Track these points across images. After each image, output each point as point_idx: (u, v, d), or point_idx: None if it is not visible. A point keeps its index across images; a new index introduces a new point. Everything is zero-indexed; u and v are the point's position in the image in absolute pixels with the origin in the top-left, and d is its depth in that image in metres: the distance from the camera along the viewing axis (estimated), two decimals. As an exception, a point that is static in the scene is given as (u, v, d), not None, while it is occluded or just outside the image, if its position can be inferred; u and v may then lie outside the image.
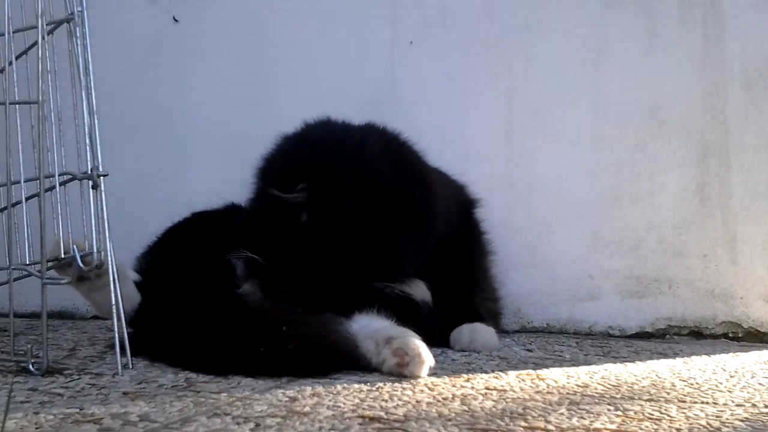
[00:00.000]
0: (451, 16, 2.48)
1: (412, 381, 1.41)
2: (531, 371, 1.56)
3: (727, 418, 1.16)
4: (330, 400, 1.22)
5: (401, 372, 1.46)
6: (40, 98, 1.46)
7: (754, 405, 1.28)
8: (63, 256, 1.50)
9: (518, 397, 1.29)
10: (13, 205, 1.55)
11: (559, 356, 1.82)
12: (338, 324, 1.56)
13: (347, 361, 1.48)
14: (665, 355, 1.87)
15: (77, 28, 1.52)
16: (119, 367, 1.44)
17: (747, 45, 2.30)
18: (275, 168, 1.81)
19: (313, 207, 1.73)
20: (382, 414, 1.13)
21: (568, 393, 1.34)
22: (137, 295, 1.72)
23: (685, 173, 2.32)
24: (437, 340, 1.80)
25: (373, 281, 1.76)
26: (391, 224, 1.77)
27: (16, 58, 1.58)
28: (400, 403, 1.22)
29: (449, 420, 1.10)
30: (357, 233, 1.74)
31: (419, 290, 1.84)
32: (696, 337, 2.27)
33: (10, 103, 1.52)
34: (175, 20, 2.64)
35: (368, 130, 1.95)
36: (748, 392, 1.39)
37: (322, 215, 1.73)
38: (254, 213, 1.82)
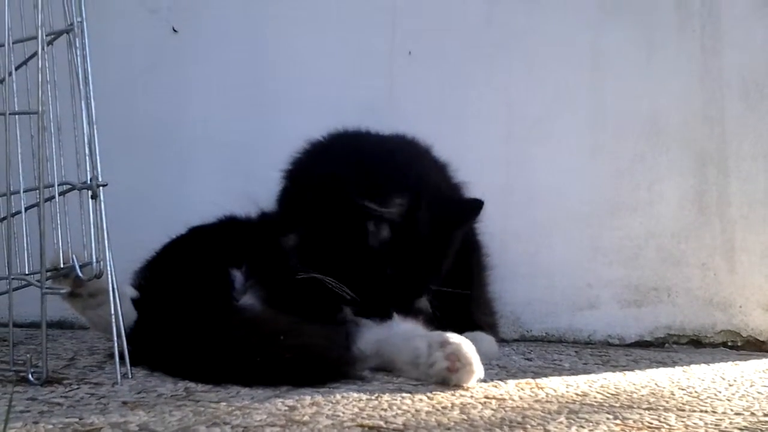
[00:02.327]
0: (450, 25, 2.48)
1: (411, 391, 1.40)
2: (530, 380, 1.56)
3: (726, 427, 1.16)
4: (329, 410, 1.22)
5: (448, 378, 1.45)
6: (40, 108, 1.46)
7: (753, 414, 1.28)
8: (62, 266, 1.50)
9: (517, 406, 1.29)
10: (13, 215, 1.55)
11: (558, 365, 1.82)
12: (337, 334, 1.56)
13: (345, 370, 1.49)
14: (664, 364, 1.87)
15: (77, 39, 1.52)
16: (118, 377, 1.44)
17: (745, 55, 2.31)
18: (358, 180, 1.79)
19: (403, 223, 1.74)
20: (382, 423, 1.13)
21: (567, 402, 1.34)
22: (134, 313, 1.71)
23: (684, 182, 2.33)
24: None
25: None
26: (452, 242, 1.84)
27: (16, 69, 1.58)
28: (399, 412, 1.22)
29: (448, 429, 1.10)
30: (431, 250, 1.78)
31: (422, 301, 1.85)
32: (695, 345, 2.27)
33: (9, 114, 1.53)
34: (175, 31, 2.64)
35: (415, 144, 2.05)
36: (747, 401, 1.39)
37: (407, 232, 1.74)
38: (317, 228, 1.80)
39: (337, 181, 1.81)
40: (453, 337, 1.50)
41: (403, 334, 1.62)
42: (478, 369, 1.46)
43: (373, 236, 1.74)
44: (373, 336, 1.66)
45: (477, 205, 1.85)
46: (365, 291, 1.72)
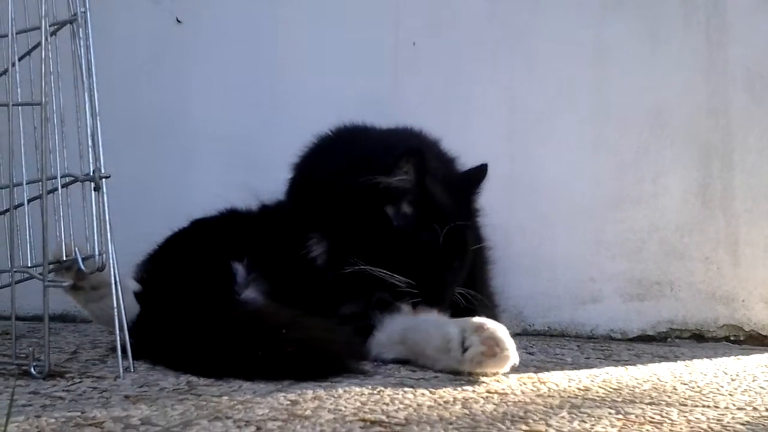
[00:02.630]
0: (453, 19, 2.47)
1: (413, 386, 1.40)
2: (532, 374, 1.56)
3: (728, 422, 1.16)
4: (331, 404, 1.22)
5: (482, 363, 1.45)
6: (43, 100, 1.46)
7: (755, 408, 1.28)
8: (65, 258, 1.50)
9: (519, 401, 1.29)
10: (15, 207, 1.55)
11: (561, 359, 1.82)
12: (339, 327, 1.56)
13: (348, 364, 1.49)
14: (667, 359, 1.86)
15: (80, 29, 1.52)
16: (121, 371, 1.44)
17: (750, 48, 2.30)
18: (366, 164, 1.78)
19: (419, 192, 1.74)
20: (384, 417, 1.13)
21: (569, 396, 1.34)
22: (136, 306, 1.71)
23: (688, 176, 2.32)
24: None
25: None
26: (471, 210, 1.91)
27: (19, 60, 1.58)
28: (401, 406, 1.22)
29: (450, 423, 1.10)
30: (457, 217, 1.78)
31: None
32: (697, 340, 2.26)
33: (12, 105, 1.52)
34: (179, 21, 2.64)
35: (422, 137, 2.06)
36: (749, 395, 1.39)
37: (426, 199, 1.75)
38: (342, 224, 1.78)
39: (343, 173, 1.80)
40: (489, 322, 1.49)
41: (432, 321, 1.62)
42: (514, 355, 1.46)
43: (397, 218, 1.74)
44: (399, 324, 1.65)
45: (482, 169, 1.89)
46: (417, 274, 1.70)
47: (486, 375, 1.48)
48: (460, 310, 1.75)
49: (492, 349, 1.44)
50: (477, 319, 1.51)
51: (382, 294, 1.70)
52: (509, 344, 1.46)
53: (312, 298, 1.70)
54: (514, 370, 1.52)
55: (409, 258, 1.71)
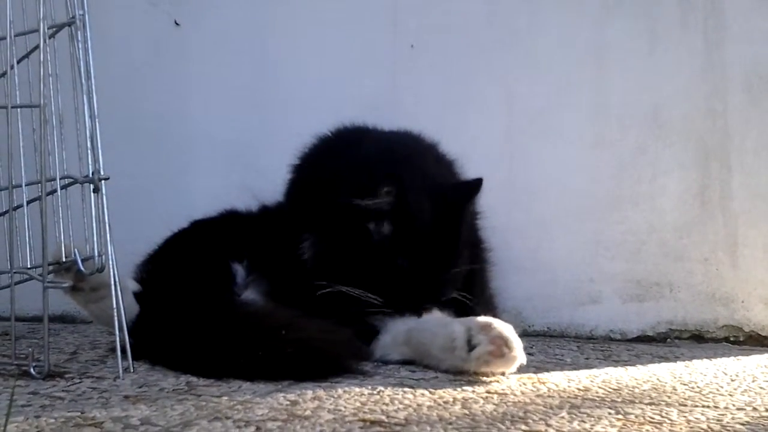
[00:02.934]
0: (452, 20, 2.47)
1: (412, 386, 1.40)
2: (532, 375, 1.56)
3: (728, 422, 1.16)
4: (331, 404, 1.22)
5: (489, 362, 1.45)
6: (42, 102, 1.46)
7: (755, 409, 1.28)
8: (64, 259, 1.50)
9: (519, 401, 1.29)
10: (15, 208, 1.55)
11: (560, 360, 1.82)
12: (339, 328, 1.56)
13: (347, 365, 1.49)
14: (666, 359, 1.87)
15: (79, 32, 1.52)
16: (120, 371, 1.44)
17: (748, 48, 2.30)
18: (348, 181, 1.79)
19: (398, 211, 1.73)
20: (383, 418, 1.13)
21: (569, 397, 1.34)
22: (136, 306, 1.71)
23: (686, 176, 2.32)
24: None
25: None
26: (460, 224, 1.81)
27: (18, 62, 1.58)
28: (401, 406, 1.22)
29: (450, 424, 1.10)
30: (439, 235, 1.76)
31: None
32: (697, 340, 2.26)
33: (11, 107, 1.52)
34: (177, 24, 2.64)
35: (420, 140, 2.05)
36: (749, 396, 1.39)
37: (405, 219, 1.73)
38: (326, 236, 1.79)
39: (331, 185, 1.81)
40: (496, 321, 1.49)
41: (437, 320, 1.62)
42: (521, 355, 1.46)
43: (377, 234, 1.74)
44: (404, 325, 1.65)
45: (476, 183, 1.83)
46: (387, 291, 1.69)
47: (492, 375, 1.49)
48: (463, 311, 1.76)
49: (500, 349, 1.45)
50: (483, 318, 1.51)
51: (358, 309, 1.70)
52: (517, 344, 1.46)
53: (311, 299, 1.70)
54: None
55: (382, 276, 1.70)
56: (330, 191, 1.79)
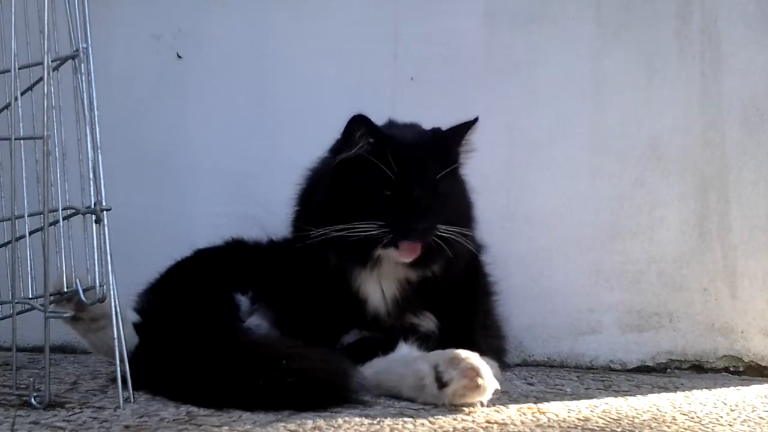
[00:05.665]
0: (451, 52, 2.49)
1: (412, 416, 1.40)
2: (532, 405, 1.56)
3: (727, 452, 1.16)
4: (331, 434, 1.22)
5: (464, 395, 1.44)
6: (45, 133, 1.47)
7: (754, 439, 1.28)
8: (66, 289, 1.51)
9: (519, 431, 1.29)
10: (17, 239, 1.55)
11: (560, 390, 1.82)
12: (339, 357, 1.56)
13: (348, 395, 1.49)
14: (666, 389, 1.87)
15: (82, 65, 1.53)
16: (121, 401, 1.44)
17: (744, 81, 2.33)
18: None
19: (380, 141, 1.80)
20: (383, 447, 1.13)
21: (569, 427, 1.34)
22: (135, 338, 1.71)
23: (685, 207, 2.33)
24: None
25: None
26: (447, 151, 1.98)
27: (22, 94, 1.59)
28: (400, 436, 1.22)
29: (450, 453, 1.10)
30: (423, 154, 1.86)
31: (427, 322, 1.84)
32: (697, 371, 2.26)
33: (15, 139, 1.53)
34: (179, 56, 2.66)
35: None
36: (748, 426, 1.39)
37: (388, 144, 1.80)
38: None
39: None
40: (462, 352, 1.48)
41: (401, 359, 1.61)
42: (492, 382, 1.45)
43: (369, 178, 1.79)
44: (370, 369, 1.63)
45: (470, 120, 1.95)
46: (387, 214, 1.72)
47: (466, 406, 1.47)
48: (458, 339, 1.76)
49: (474, 381, 1.44)
50: (449, 352, 1.50)
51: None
52: (486, 372, 1.45)
53: (314, 328, 1.71)
54: (514, 400, 1.52)
55: (372, 203, 1.74)
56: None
